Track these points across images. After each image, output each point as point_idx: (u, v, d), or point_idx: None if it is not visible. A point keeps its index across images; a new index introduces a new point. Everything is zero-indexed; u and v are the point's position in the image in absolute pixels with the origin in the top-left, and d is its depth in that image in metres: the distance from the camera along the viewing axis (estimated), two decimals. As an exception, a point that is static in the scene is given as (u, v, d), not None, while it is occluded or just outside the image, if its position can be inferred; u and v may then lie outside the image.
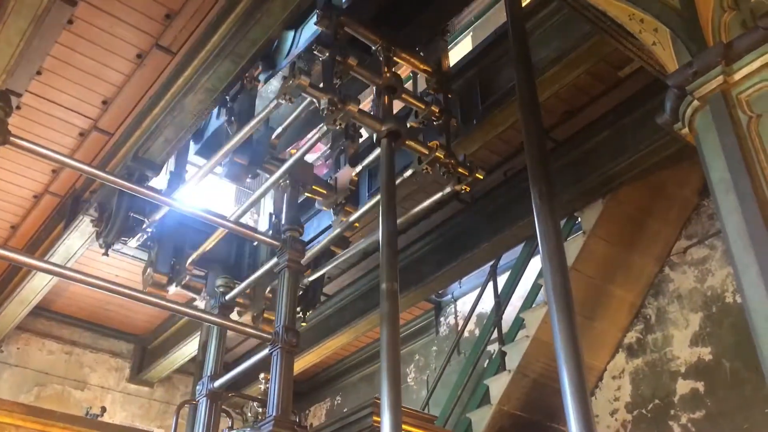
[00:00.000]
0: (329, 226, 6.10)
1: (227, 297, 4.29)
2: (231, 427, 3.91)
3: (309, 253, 4.44)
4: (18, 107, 5.09)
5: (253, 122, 4.32)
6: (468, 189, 4.20)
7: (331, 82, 3.85)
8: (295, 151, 4.41)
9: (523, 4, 4.35)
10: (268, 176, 4.49)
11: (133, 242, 5.21)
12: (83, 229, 5.90)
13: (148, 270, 4.84)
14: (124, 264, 7.23)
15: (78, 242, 6.15)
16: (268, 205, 5.32)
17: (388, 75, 4.16)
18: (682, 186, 5.85)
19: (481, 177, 4.25)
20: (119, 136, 5.47)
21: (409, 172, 4.25)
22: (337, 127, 3.88)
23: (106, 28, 4.71)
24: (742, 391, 5.08)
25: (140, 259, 7.03)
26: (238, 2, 4.20)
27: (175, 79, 4.75)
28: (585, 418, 2.60)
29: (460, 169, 4.16)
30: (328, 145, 5.24)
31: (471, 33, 7.72)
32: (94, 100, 5.28)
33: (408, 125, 4.24)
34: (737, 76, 2.15)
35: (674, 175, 5.70)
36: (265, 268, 4.03)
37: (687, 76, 2.23)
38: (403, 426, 2.97)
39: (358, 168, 4.54)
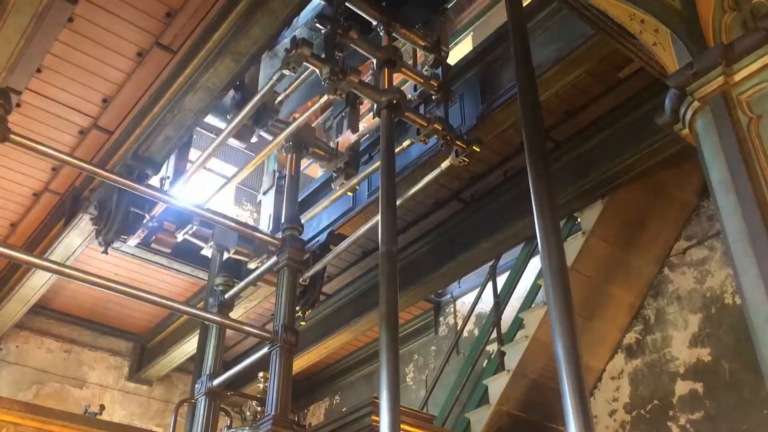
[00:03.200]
0: (329, 225, 6.12)
1: (226, 295, 4.29)
2: (230, 426, 3.91)
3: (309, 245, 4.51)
4: (18, 105, 5.08)
5: (257, 96, 4.41)
6: (466, 161, 4.30)
7: (332, 54, 3.97)
8: (298, 115, 4.49)
9: (524, 4, 4.35)
10: (271, 138, 4.59)
11: (133, 240, 5.21)
12: (83, 227, 5.89)
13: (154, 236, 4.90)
14: (124, 262, 7.22)
15: (77, 240, 6.14)
16: (268, 205, 5.32)
17: (387, 49, 4.27)
18: (681, 187, 5.85)
19: (478, 150, 4.40)
20: (119, 135, 5.47)
21: (407, 142, 4.41)
22: (339, 97, 4.01)
23: (107, 26, 4.70)
24: (740, 392, 5.08)
25: (139, 257, 7.03)
26: (238, 1, 4.19)
27: (175, 78, 4.74)
28: (584, 419, 2.60)
29: (457, 142, 4.29)
30: (329, 113, 5.32)
31: (471, 33, 7.71)
32: (94, 98, 5.27)
33: (407, 98, 4.33)
34: (738, 77, 2.15)
35: (674, 176, 5.70)
36: (264, 267, 4.03)
37: (687, 76, 2.23)
38: (402, 426, 2.97)
39: (359, 133, 4.68)
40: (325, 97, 4.13)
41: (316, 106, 4.30)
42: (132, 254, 6.92)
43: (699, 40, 2.29)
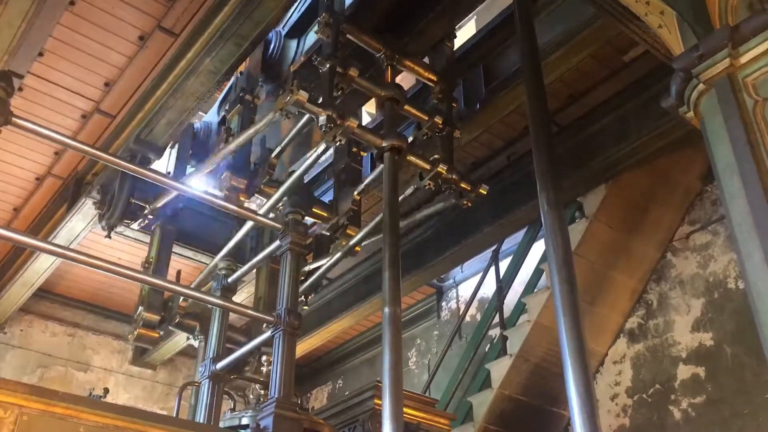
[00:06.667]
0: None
1: (230, 279, 4.29)
2: (233, 409, 3.92)
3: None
4: (20, 89, 5.07)
5: (250, 131, 4.21)
6: (470, 204, 4.15)
7: (330, 96, 3.73)
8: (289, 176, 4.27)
9: (528, -13, 4.31)
10: (265, 201, 4.38)
11: (136, 225, 5.21)
12: (86, 212, 5.89)
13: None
14: (127, 246, 7.23)
15: (80, 225, 6.14)
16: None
17: (391, 86, 4.06)
18: (685, 171, 5.84)
19: (485, 192, 4.20)
20: (121, 119, 5.45)
21: (410, 189, 4.17)
22: (337, 143, 3.78)
23: (108, 10, 4.68)
24: (742, 377, 5.10)
25: (142, 241, 7.03)
26: (240, -17, 4.16)
27: (177, 61, 4.72)
28: (587, 403, 2.61)
29: (462, 184, 4.10)
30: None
31: (475, 17, 7.66)
32: (96, 82, 5.26)
33: (409, 139, 4.13)
34: (743, 59, 2.13)
35: (678, 161, 5.68)
36: (267, 251, 4.03)
37: (693, 59, 2.22)
38: (405, 409, 2.98)
39: (360, 187, 4.44)
40: (323, 146, 3.92)
41: (310, 160, 4.08)
42: (135, 238, 6.92)
43: (705, 22, 2.27)
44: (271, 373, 3.37)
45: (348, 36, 4.02)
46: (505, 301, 6.60)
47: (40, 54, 4.90)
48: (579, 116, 5.57)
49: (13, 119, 3.06)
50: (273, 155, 4.59)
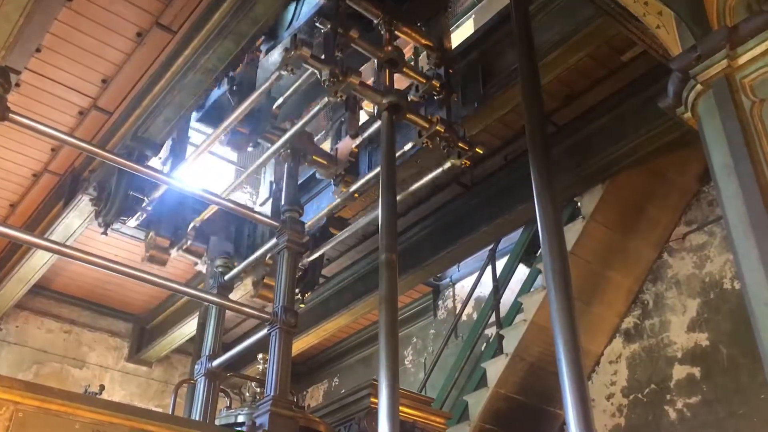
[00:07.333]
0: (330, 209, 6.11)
1: (226, 277, 4.29)
2: (229, 407, 3.92)
3: (311, 222, 4.46)
4: (17, 85, 5.06)
5: (254, 95, 4.31)
6: (468, 164, 4.23)
7: (332, 54, 3.87)
8: (296, 121, 4.41)
9: (526, -14, 4.31)
10: (269, 146, 4.48)
11: (132, 222, 5.20)
12: (82, 208, 5.89)
13: (150, 234, 4.81)
14: (123, 243, 7.23)
15: (77, 221, 6.14)
16: (268, 187, 5.32)
17: (389, 48, 4.17)
18: (682, 172, 5.84)
19: (481, 152, 4.29)
20: (119, 116, 5.45)
21: (409, 146, 4.28)
22: (339, 99, 3.91)
23: (106, 6, 4.67)
24: (738, 377, 5.11)
25: (139, 238, 7.02)
26: (239, -19, 4.16)
27: (175, 59, 4.71)
28: (582, 402, 2.61)
29: (460, 144, 4.19)
30: (328, 124, 5.23)
31: (473, 16, 7.66)
32: (93, 79, 5.25)
33: (409, 99, 4.23)
34: (741, 60, 2.13)
35: (674, 161, 5.69)
36: (264, 249, 4.02)
37: (691, 59, 2.22)
38: (401, 408, 2.98)
39: (359, 140, 4.56)
40: (325, 100, 4.02)
41: (314, 110, 4.18)
42: (132, 235, 6.92)
43: (703, 23, 2.27)
44: (268, 371, 3.36)
45: (347, 1, 4.11)
46: (501, 300, 6.61)
47: (38, 50, 4.89)
48: (576, 116, 5.58)
49: (10, 115, 3.05)
50: (275, 106, 4.66)
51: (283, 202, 4.10)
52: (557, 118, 5.60)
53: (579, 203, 5.92)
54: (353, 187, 4.53)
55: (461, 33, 7.16)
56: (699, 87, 2.21)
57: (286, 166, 4.26)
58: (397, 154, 3.96)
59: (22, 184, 6.31)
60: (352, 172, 4.64)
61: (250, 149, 4.85)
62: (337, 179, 4.61)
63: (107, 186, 5.10)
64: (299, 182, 4.61)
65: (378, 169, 3.83)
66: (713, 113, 2.17)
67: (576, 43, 4.56)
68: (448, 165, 4.22)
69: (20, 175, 6.20)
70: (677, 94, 2.33)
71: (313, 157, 4.49)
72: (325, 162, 4.57)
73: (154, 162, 5.32)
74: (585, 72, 5.29)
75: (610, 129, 5.31)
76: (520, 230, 6.53)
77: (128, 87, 5.27)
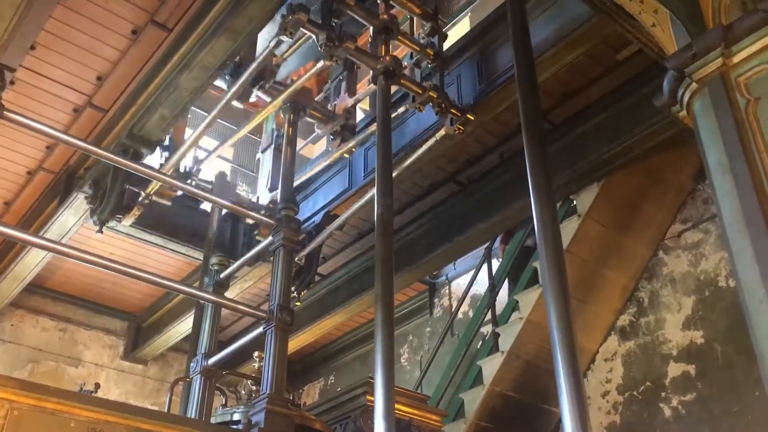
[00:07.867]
0: (325, 206, 6.11)
1: (221, 275, 4.29)
2: (225, 405, 3.92)
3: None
4: (12, 82, 5.03)
5: (254, 64, 4.44)
6: (462, 129, 4.33)
7: (328, 20, 4.01)
8: (296, 77, 4.55)
9: (522, -16, 4.31)
10: (268, 99, 4.64)
11: (128, 220, 5.19)
12: (77, 206, 5.86)
13: None
14: (118, 241, 7.20)
15: (72, 219, 6.11)
16: (267, 163, 5.37)
17: (385, 16, 4.27)
18: (677, 170, 5.86)
19: (472, 118, 4.44)
20: (114, 113, 5.42)
21: (402, 108, 4.46)
22: (335, 63, 4.08)
23: (101, 3, 4.65)
24: (733, 375, 5.12)
25: (134, 237, 7.02)
26: (234, -21, 4.16)
27: (170, 56, 4.70)
28: (578, 400, 2.62)
29: (452, 110, 4.33)
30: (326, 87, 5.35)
31: (469, 14, 7.66)
32: (88, 76, 5.23)
33: (403, 65, 4.35)
34: (736, 59, 2.14)
35: (670, 160, 5.70)
36: (260, 247, 4.02)
37: (686, 58, 2.22)
38: (397, 405, 2.98)
39: (357, 97, 4.74)
40: (321, 63, 4.17)
41: (313, 70, 4.34)
42: (127, 234, 6.89)
43: (698, 22, 2.28)
44: (263, 369, 3.37)
45: None
46: (497, 298, 6.61)
47: (33, 47, 4.87)
48: (572, 114, 5.58)
49: (5, 113, 3.05)
50: (276, 62, 4.84)
51: (278, 200, 4.10)
52: (553, 116, 5.60)
53: (575, 201, 5.93)
54: (350, 143, 4.76)
55: (457, 31, 7.16)
56: (694, 85, 2.22)
57: (283, 166, 4.28)
58: (393, 115, 4.21)
59: (16, 181, 6.28)
60: (349, 128, 4.84)
61: (253, 99, 4.94)
62: (335, 134, 4.81)
63: (102, 184, 5.10)
64: (295, 184, 4.62)
65: (374, 127, 4.01)
66: (708, 111, 2.17)
67: (572, 41, 4.56)
68: (442, 133, 4.33)
69: (15, 172, 6.17)
70: (672, 93, 2.33)
71: (312, 111, 4.67)
72: (324, 116, 4.76)
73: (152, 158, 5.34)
74: (581, 70, 5.29)
75: (606, 127, 5.31)
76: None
77: (123, 84, 5.25)
